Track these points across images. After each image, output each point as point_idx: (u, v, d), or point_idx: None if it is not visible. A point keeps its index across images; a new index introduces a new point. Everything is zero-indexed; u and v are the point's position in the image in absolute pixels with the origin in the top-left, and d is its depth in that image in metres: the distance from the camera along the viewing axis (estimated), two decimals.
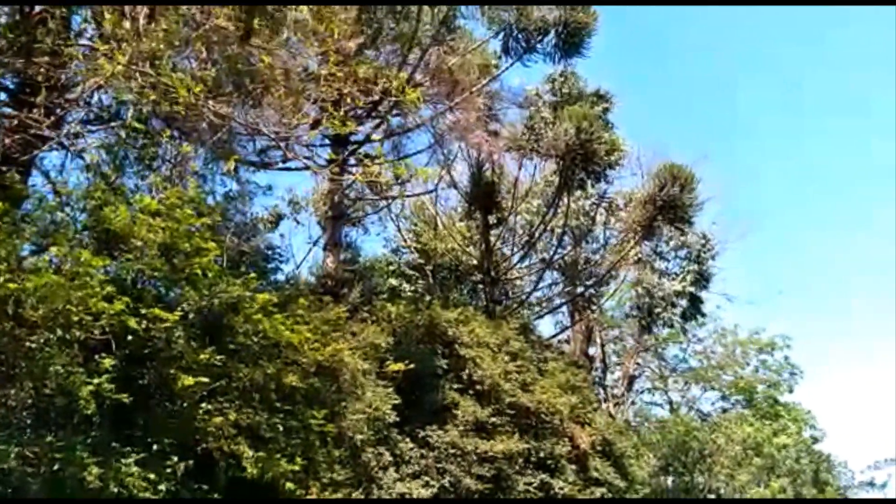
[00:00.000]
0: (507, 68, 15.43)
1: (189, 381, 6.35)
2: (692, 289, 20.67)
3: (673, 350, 25.25)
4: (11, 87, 9.56)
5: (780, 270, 37.43)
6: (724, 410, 24.33)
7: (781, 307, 36.86)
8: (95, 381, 5.98)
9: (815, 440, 23.75)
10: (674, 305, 20.75)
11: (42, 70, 8.33)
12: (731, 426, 20.97)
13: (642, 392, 25.85)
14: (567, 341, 22.03)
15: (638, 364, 24.47)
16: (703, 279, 20.80)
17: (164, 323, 6.49)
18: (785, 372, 24.27)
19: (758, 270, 34.28)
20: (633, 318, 22.64)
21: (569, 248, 19.81)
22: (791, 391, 24.03)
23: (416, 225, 19.83)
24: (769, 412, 23.23)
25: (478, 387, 12.17)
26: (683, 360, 25.41)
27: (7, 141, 8.56)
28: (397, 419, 9.74)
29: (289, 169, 13.27)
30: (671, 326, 21.13)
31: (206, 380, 6.55)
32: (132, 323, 6.27)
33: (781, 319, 34.75)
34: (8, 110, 9.03)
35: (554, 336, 20.74)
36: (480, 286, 18.51)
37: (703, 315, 21.92)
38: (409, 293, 17.65)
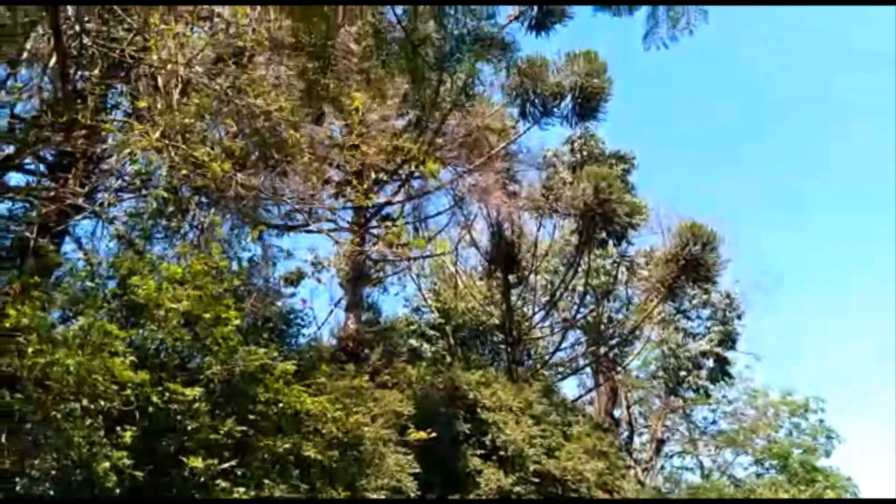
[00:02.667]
0: (524, 132, 15.76)
1: (199, 463, 6.30)
2: (718, 349, 20.19)
3: (702, 412, 24.47)
4: (49, 158, 9.99)
5: (809, 326, 36.48)
6: (758, 475, 23.27)
7: (812, 364, 35.79)
8: (116, 455, 5.95)
9: None
10: (700, 366, 20.25)
11: (79, 144, 8.69)
12: (765, 492, 20.01)
13: (671, 456, 24.97)
14: (591, 403, 21.51)
15: (666, 426, 23.70)
16: (729, 339, 20.35)
17: (184, 397, 6.49)
18: (821, 436, 23.26)
19: (785, 327, 33.49)
20: (658, 379, 22.11)
21: (591, 307, 19.62)
22: (828, 456, 22.99)
23: (436, 284, 19.85)
24: (805, 478, 22.16)
25: (501, 453, 11.88)
26: (713, 423, 24.58)
27: (43, 211, 8.88)
28: (419, 491, 9.49)
29: (311, 231, 13.50)
30: (697, 389, 20.55)
31: (215, 462, 6.48)
32: (154, 397, 6.28)
33: (813, 376, 33.77)
34: (46, 182, 9.41)
35: (578, 398, 20.30)
36: (502, 346, 18.31)
37: (731, 376, 21.31)
38: (429, 354, 17.49)
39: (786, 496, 19.97)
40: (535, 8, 11.88)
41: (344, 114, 8.58)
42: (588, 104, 14.96)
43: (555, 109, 15.36)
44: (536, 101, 15.42)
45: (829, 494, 21.78)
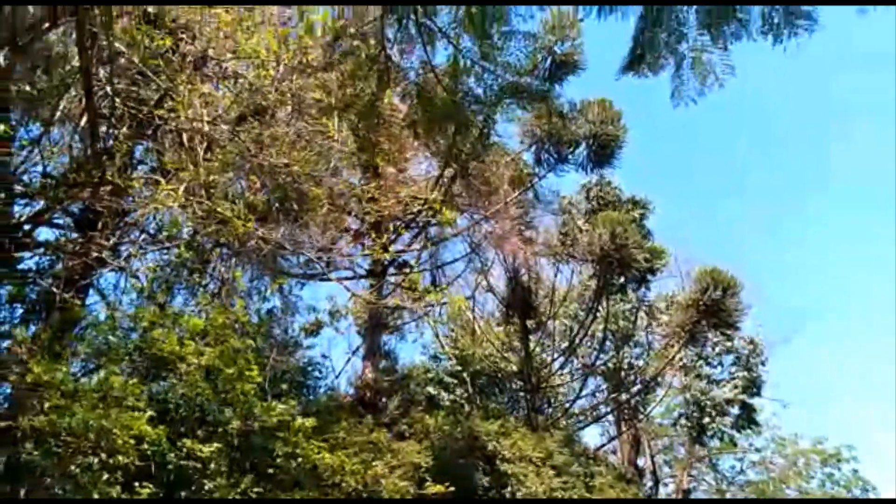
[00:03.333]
0: (540, 178, 15.91)
1: None
2: (743, 396, 19.70)
3: (728, 461, 23.68)
4: (77, 213, 10.29)
5: (838, 369, 35.50)
6: None
7: (843, 410, 34.58)
8: None
9: None
10: (725, 413, 19.74)
11: (105, 199, 8.96)
12: None
13: None
14: (614, 452, 20.98)
15: (692, 476, 22.97)
16: (754, 385, 19.87)
17: (202, 454, 6.49)
18: (855, 487, 22.35)
19: (811, 371, 32.63)
20: (682, 427, 21.55)
21: (611, 353, 19.35)
22: None
23: (453, 331, 19.76)
24: None
25: None
26: (741, 472, 23.74)
27: (69, 265, 9.11)
28: None
29: (330, 280, 13.62)
30: (723, 437, 19.98)
31: None
32: (171, 456, 6.29)
33: (844, 423, 32.66)
34: (72, 236, 9.68)
35: (601, 447, 19.81)
36: (521, 394, 18.06)
37: (758, 424, 20.71)
38: (447, 402, 17.28)
39: None
40: (549, 60, 12.21)
41: (362, 166, 8.76)
42: (603, 151, 15.13)
43: (570, 156, 15.57)
44: (552, 148, 15.65)
45: None
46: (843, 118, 34.05)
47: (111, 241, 9.17)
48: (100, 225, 8.97)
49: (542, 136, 15.45)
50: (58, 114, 9.69)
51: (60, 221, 10.01)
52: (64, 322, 8.33)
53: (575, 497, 12.41)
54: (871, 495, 22.23)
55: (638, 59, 5.96)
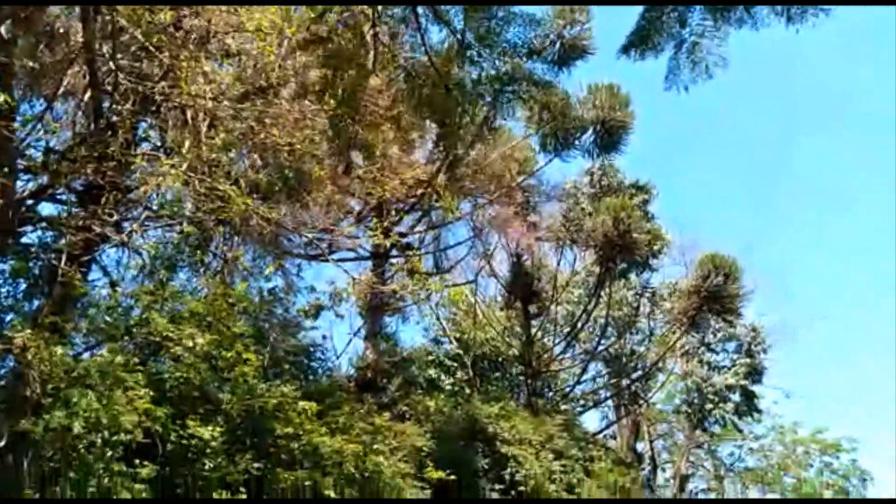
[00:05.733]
0: (545, 164, 15.81)
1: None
2: (744, 382, 19.73)
3: (728, 448, 23.78)
4: (80, 189, 10.27)
5: (844, 361, 35.49)
6: None
7: (849, 402, 34.55)
8: (136, 488, 5.97)
9: None
10: (726, 400, 19.79)
11: (108, 175, 8.93)
12: None
13: (696, 493, 24.20)
14: (614, 437, 21.08)
15: (690, 462, 23.08)
16: (755, 372, 19.89)
17: (202, 433, 6.52)
18: (853, 477, 22.43)
19: (816, 364, 32.58)
20: (682, 413, 21.62)
21: (612, 338, 19.36)
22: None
23: (455, 314, 19.77)
24: None
25: (520, 488, 11.66)
26: (740, 459, 23.85)
27: (72, 240, 9.10)
28: None
29: (332, 261, 13.61)
30: (724, 423, 20.04)
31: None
32: (172, 436, 6.32)
33: (846, 415, 32.71)
34: (75, 212, 9.65)
35: (600, 431, 19.90)
36: (521, 378, 18.10)
37: (759, 411, 20.76)
38: (448, 385, 17.35)
39: None
40: (558, 45, 12.06)
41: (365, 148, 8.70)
42: (610, 137, 15.00)
43: (576, 142, 15.44)
44: (558, 134, 15.51)
45: None
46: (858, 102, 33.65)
47: (114, 218, 9.15)
48: (102, 200, 8.93)
49: (549, 121, 15.32)
50: (61, 89, 9.62)
51: (63, 197, 9.99)
52: (66, 297, 8.34)
53: (574, 479, 12.49)
54: (869, 485, 22.35)
55: (640, 40, 5.87)
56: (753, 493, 23.75)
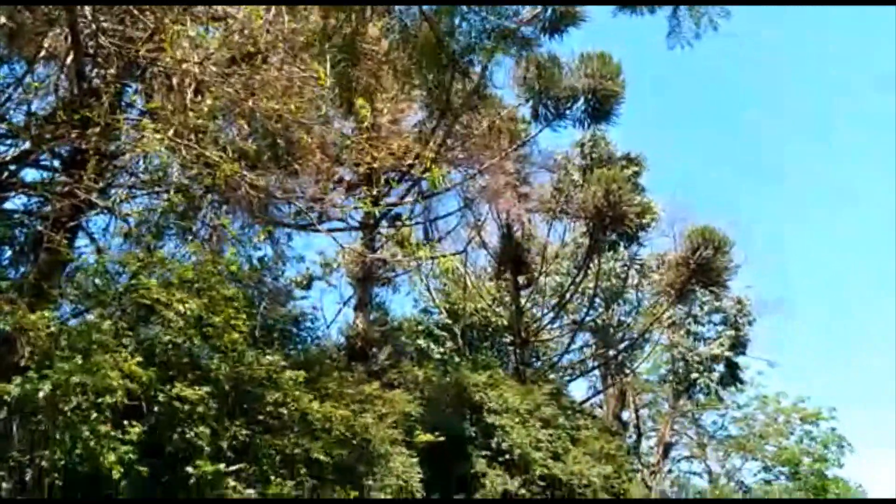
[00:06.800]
0: (536, 133, 15.71)
1: (208, 468, 6.36)
2: (729, 353, 20.06)
3: (711, 416, 24.32)
4: (64, 155, 10.11)
5: (826, 334, 36.07)
6: (767, 482, 23.08)
7: (832, 374, 35.27)
8: (122, 449, 6.02)
9: None
10: (710, 370, 20.13)
11: (93, 140, 8.79)
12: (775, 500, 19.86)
13: (679, 460, 24.81)
14: (600, 405, 21.44)
15: (674, 430, 23.56)
16: (739, 344, 20.21)
17: (190, 398, 6.55)
18: (833, 445, 23.02)
19: (801, 336, 33.11)
20: (668, 383, 22.00)
21: (600, 309, 19.55)
22: (840, 466, 22.76)
23: (445, 285, 19.85)
24: (816, 486, 21.95)
25: (507, 455, 11.87)
26: (722, 428, 24.41)
27: (57, 206, 9.00)
28: (424, 492, 9.51)
29: (322, 231, 13.55)
30: (708, 392, 20.42)
31: (221, 467, 6.55)
32: (161, 397, 6.35)
33: (827, 386, 33.36)
34: (59, 178, 9.52)
35: (586, 400, 20.23)
36: (510, 348, 18.30)
37: (742, 381, 21.16)
38: (437, 355, 17.50)
39: None
40: (550, 10, 11.86)
41: (355, 115, 8.59)
42: (602, 107, 14.91)
43: (567, 112, 15.33)
44: (549, 103, 15.39)
45: None
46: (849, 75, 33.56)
47: (99, 184, 9.04)
48: (88, 166, 8.81)
49: (540, 90, 15.18)
50: (42, 52, 9.40)
51: (47, 163, 9.84)
52: (52, 264, 8.29)
53: (560, 448, 12.72)
54: (847, 453, 22.96)
55: None
56: (735, 461, 24.35)
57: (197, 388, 6.90)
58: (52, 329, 6.60)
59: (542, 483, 11.77)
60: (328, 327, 15.41)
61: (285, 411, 7.47)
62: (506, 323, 18.15)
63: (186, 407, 6.60)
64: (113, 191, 9.87)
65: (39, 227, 8.97)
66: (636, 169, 17.79)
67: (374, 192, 8.59)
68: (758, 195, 36.10)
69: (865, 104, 33.72)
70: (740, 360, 20.58)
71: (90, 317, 7.18)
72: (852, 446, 23.03)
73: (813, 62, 35.76)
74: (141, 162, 9.91)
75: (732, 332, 20.12)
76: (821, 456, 22.88)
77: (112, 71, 9.13)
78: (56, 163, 10.06)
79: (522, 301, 17.86)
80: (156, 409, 6.58)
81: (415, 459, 9.49)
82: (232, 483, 6.61)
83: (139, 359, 6.64)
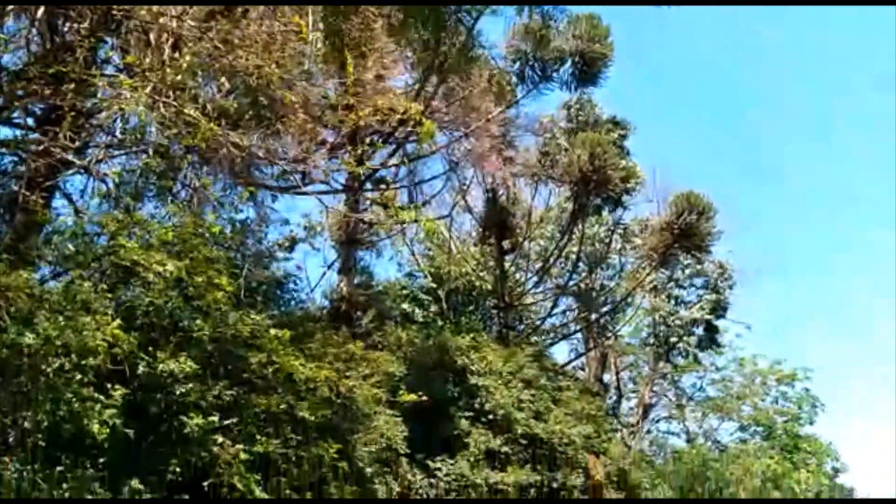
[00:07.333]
0: (523, 96, 15.54)
1: (197, 420, 6.37)
2: (709, 317, 20.42)
3: (690, 379, 24.85)
4: (38, 112, 9.82)
5: (803, 299, 36.75)
6: (743, 442, 23.81)
7: (804, 337, 36.10)
8: (106, 412, 6.01)
9: (837, 471, 23.19)
10: (690, 334, 20.51)
11: (68, 98, 8.53)
12: (749, 458, 20.49)
13: (658, 421, 25.40)
14: (582, 368, 21.80)
15: (654, 392, 24.08)
16: (720, 308, 20.57)
17: (174, 360, 6.54)
18: (806, 404, 23.76)
19: (779, 300, 33.72)
20: (649, 346, 22.39)
21: (583, 274, 19.71)
22: (812, 423, 23.56)
23: (430, 249, 19.85)
24: (788, 444, 22.71)
25: (490, 416, 12.07)
26: (701, 390, 24.98)
27: (32, 166, 8.77)
28: (408, 450, 9.68)
29: (305, 194, 13.41)
30: (687, 355, 20.84)
31: (214, 418, 6.58)
32: (143, 364, 6.32)
33: (804, 349, 34.17)
34: (35, 136, 9.27)
35: (568, 363, 20.54)
36: (494, 312, 18.45)
37: (720, 344, 21.61)
38: (421, 318, 17.60)
39: (769, 462, 20.46)
40: None
41: (340, 72, 8.41)
42: (589, 70, 14.78)
43: (555, 74, 15.18)
44: (536, 65, 15.21)
45: (812, 460, 22.36)
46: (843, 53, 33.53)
47: (76, 143, 8.81)
48: (63, 124, 8.57)
49: (527, 51, 14.98)
50: (10, 6, 9.03)
51: (20, 121, 9.56)
52: (29, 225, 8.13)
53: (542, 407, 12.95)
54: (818, 411, 23.72)
55: None
56: (713, 421, 25.02)
57: (180, 352, 6.87)
58: (33, 290, 6.50)
59: (524, 442, 12.01)
60: (312, 291, 15.41)
61: (269, 371, 7.48)
62: (490, 287, 18.25)
63: (171, 369, 6.58)
64: (90, 150, 9.65)
65: (14, 188, 8.76)
66: (622, 133, 17.76)
67: (359, 152, 8.43)
68: (757, 193, 36.08)
69: (865, 104, 33.66)
70: (720, 323, 20.99)
71: (70, 278, 7.06)
72: (825, 406, 23.80)
73: (813, 62, 35.58)
74: (118, 121, 9.68)
75: (713, 297, 20.45)
76: (794, 415, 23.62)
77: (86, 25, 8.81)
78: (30, 121, 9.79)
79: (506, 266, 17.94)
80: (139, 372, 6.54)
81: (399, 419, 9.62)
82: (220, 440, 6.65)
83: (120, 322, 6.58)
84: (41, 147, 8.63)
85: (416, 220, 12.84)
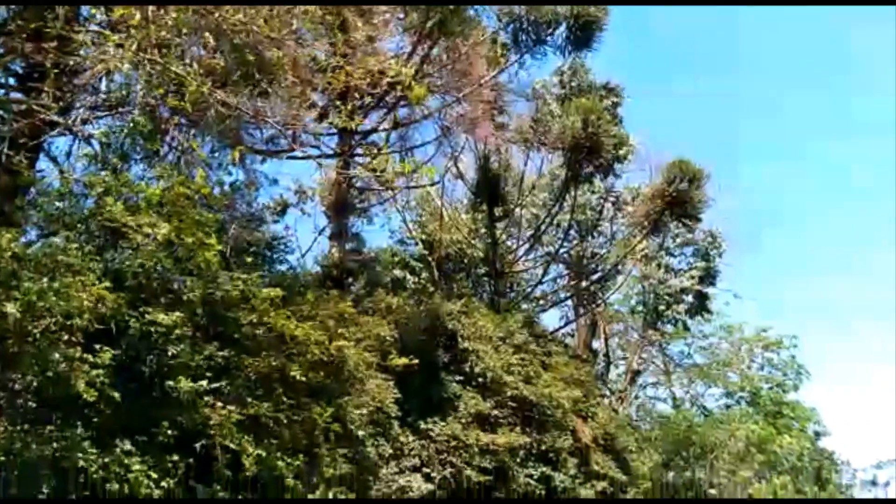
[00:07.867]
0: (516, 61, 15.28)
1: (186, 385, 6.38)
2: (699, 286, 20.59)
3: (678, 346, 25.18)
4: (20, 71, 9.57)
5: (789, 269, 37.12)
6: (728, 407, 24.30)
7: (789, 305, 36.63)
8: (93, 373, 6.00)
9: (819, 435, 23.77)
10: (679, 301, 20.69)
11: (50, 55, 8.30)
12: (734, 423, 20.94)
13: (645, 387, 25.82)
14: (571, 335, 22.01)
15: (642, 359, 24.40)
16: (709, 276, 20.73)
17: (164, 320, 6.51)
18: (790, 371, 24.20)
19: (766, 269, 34.06)
20: (638, 314, 22.59)
21: (575, 241, 19.76)
22: (796, 390, 24.04)
23: (421, 216, 19.79)
24: (773, 410, 23.20)
25: (480, 379, 12.19)
26: (688, 356, 25.34)
27: (15, 126, 8.58)
28: (399, 413, 9.77)
29: (295, 158, 13.25)
30: (676, 323, 21.07)
31: (204, 383, 6.59)
32: (133, 322, 6.29)
33: (789, 317, 34.66)
34: (17, 95, 9.05)
35: (558, 329, 20.71)
36: (485, 279, 18.50)
37: (709, 312, 21.84)
38: (413, 285, 17.63)
39: (754, 426, 20.91)
40: None
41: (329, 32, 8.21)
42: (583, 33, 14.52)
43: (548, 38, 14.92)
44: (530, 28, 14.94)
45: (795, 425, 22.88)
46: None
47: (60, 103, 8.62)
48: (46, 83, 8.36)
49: (521, 14, 14.70)
50: None
51: (1, 80, 9.32)
52: (12, 186, 7.99)
53: (531, 372, 13.09)
54: (803, 377, 24.20)
55: None
56: (699, 387, 25.45)
57: (170, 312, 6.84)
58: (17, 250, 6.42)
59: (513, 405, 12.15)
60: (303, 257, 15.35)
61: (261, 331, 7.48)
62: (481, 254, 18.27)
63: (162, 329, 6.56)
64: (75, 111, 9.45)
65: None
66: (615, 100, 17.61)
67: (348, 108, 8.29)
68: (736, 137, 35.96)
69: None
70: (709, 291, 21.17)
71: (56, 240, 6.98)
72: (809, 373, 24.26)
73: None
74: (103, 80, 9.46)
75: (703, 265, 20.59)
76: (779, 381, 24.06)
77: None
78: (11, 80, 9.54)
79: (498, 233, 17.93)
80: (129, 331, 6.52)
81: (391, 382, 9.69)
82: (211, 401, 6.67)
83: (108, 283, 6.52)
84: (24, 107, 8.44)
85: (408, 187, 12.75)
